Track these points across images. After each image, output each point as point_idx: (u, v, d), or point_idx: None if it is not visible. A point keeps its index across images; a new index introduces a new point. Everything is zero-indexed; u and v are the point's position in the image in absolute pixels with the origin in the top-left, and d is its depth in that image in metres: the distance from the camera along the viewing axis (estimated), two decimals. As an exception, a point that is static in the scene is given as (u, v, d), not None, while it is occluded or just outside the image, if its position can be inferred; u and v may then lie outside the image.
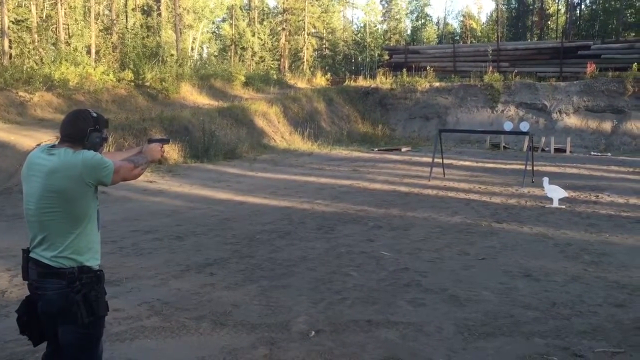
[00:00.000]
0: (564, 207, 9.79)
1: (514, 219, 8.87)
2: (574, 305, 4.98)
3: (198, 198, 10.23)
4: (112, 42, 28.50)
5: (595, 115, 22.61)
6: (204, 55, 45.93)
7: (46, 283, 2.61)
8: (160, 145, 3.06)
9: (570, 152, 20.02)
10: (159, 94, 20.50)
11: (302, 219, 8.65)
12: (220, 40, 53.38)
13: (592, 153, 20.02)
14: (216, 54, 44.21)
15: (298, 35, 47.27)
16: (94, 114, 2.74)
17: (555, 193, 10.01)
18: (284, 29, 43.70)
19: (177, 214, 9.01)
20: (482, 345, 4.15)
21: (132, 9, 36.36)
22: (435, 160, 13.42)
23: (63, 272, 2.60)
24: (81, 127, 2.67)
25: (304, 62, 42.85)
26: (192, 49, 41.02)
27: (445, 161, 13.97)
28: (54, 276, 2.61)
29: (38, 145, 2.56)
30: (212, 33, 54.69)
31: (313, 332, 4.35)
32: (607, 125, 22.16)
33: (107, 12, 33.43)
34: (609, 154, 19.67)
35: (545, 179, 10.42)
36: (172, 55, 27.25)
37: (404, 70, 27.69)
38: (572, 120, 22.74)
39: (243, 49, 45.82)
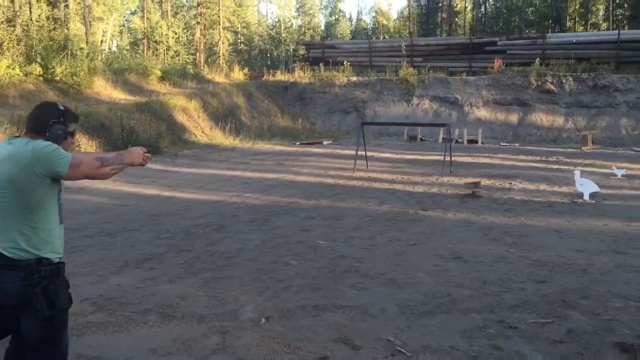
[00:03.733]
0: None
1: (438, 206, 9.30)
2: (502, 283, 5.35)
3: (123, 194, 9.98)
4: (16, 35, 26.97)
5: (503, 107, 23.89)
6: (114, 48, 44.31)
7: (3, 275, 2.55)
8: (145, 150, 2.97)
9: (481, 143, 21.05)
10: (71, 89, 19.67)
11: (234, 213, 8.67)
12: (131, 34, 51.73)
13: (502, 143, 21.15)
14: (128, 47, 42.77)
15: (213, 29, 46.67)
16: (61, 107, 2.70)
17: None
18: (198, 22, 43.00)
19: (104, 210, 8.77)
20: (425, 323, 4.39)
21: (37, 0, 34.51)
22: (359, 152, 13.74)
23: (20, 264, 2.55)
24: (43, 119, 2.63)
25: (220, 56, 42.37)
26: (102, 42, 39.50)
27: (367, 153, 14.34)
28: (11, 268, 2.55)
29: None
30: (122, 26, 52.93)
31: (263, 319, 4.43)
32: (514, 117, 23.47)
33: (8, 3, 31.55)
34: (517, 144, 20.87)
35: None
36: (81, 48, 26.16)
37: (322, 64, 28.06)
38: (482, 113, 23.91)
39: (156, 42, 44.66)
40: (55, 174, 2.57)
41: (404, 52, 27.61)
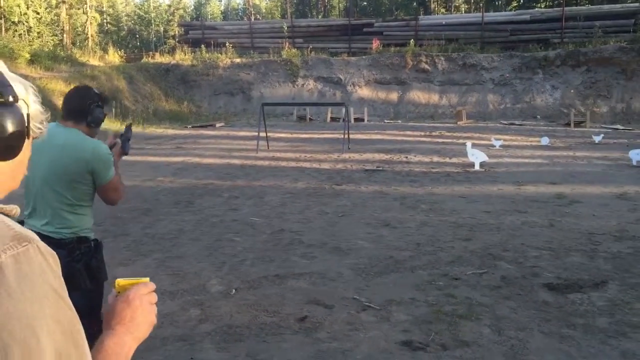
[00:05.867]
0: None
1: (349, 181, 9.86)
2: (433, 243, 5.98)
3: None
4: None
5: (383, 87, 25.12)
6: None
7: None
8: (127, 138, 3.06)
9: (367, 120, 22.06)
10: None
11: (154, 196, 8.65)
12: (-16, 13, 47.38)
13: (385, 121, 22.31)
14: (-15, 28, 39.19)
15: (78, 9, 44.07)
16: (96, 90, 2.79)
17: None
18: (63, 1, 40.35)
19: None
20: (381, 281, 4.88)
21: None
22: (256, 133, 13.98)
23: (63, 242, 2.67)
24: (84, 102, 2.71)
25: (89, 37, 40.18)
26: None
27: (263, 134, 14.60)
28: (55, 247, 2.65)
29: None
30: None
31: (234, 290, 4.69)
32: (394, 96, 24.78)
33: None
34: (400, 121, 22.12)
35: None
36: None
37: (203, 46, 27.71)
38: (365, 92, 24.98)
39: (14, 23, 41.36)
40: (98, 178, 2.72)
41: (286, 33, 27.98)
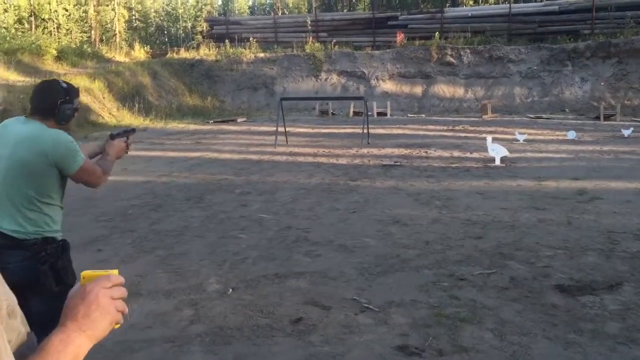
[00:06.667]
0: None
1: (365, 176, 9.67)
2: (443, 241, 5.77)
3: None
4: None
5: (408, 80, 24.77)
6: (-3, 27, 41.20)
7: (9, 255, 2.55)
8: (125, 139, 2.99)
9: (390, 115, 21.78)
10: (-41, 71, 18.32)
11: (166, 192, 8.60)
12: (16, 11, 48.29)
13: (409, 115, 21.99)
14: (16, 26, 39.92)
15: (107, 5, 44.51)
16: (64, 84, 2.68)
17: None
18: (91, -2, 40.82)
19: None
20: (383, 281, 4.70)
21: None
22: (275, 128, 13.87)
23: (26, 243, 2.57)
24: (51, 100, 2.61)
25: (116, 34, 40.60)
26: (-15, 20, 36.66)
27: (282, 129, 14.47)
28: (17, 247, 2.56)
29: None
30: (4, 2, 49.25)
31: (230, 290, 4.57)
32: (418, 90, 24.42)
33: None
34: (423, 115, 21.79)
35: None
36: (-36, 27, 24.28)
37: (227, 41, 27.72)
38: (388, 86, 24.68)
39: (44, 20, 42.00)
40: (64, 169, 2.60)
41: (310, 27, 27.80)
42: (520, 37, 25.41)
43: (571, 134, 14.22)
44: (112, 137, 2.98)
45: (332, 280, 4.77)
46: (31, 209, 2.57)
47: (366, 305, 4.20)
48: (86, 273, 1.09)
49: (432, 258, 5.26)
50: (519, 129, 15.48)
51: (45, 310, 2.64)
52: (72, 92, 2.71)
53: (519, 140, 13.50)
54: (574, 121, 18.54)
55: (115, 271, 1.11)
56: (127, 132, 3.08)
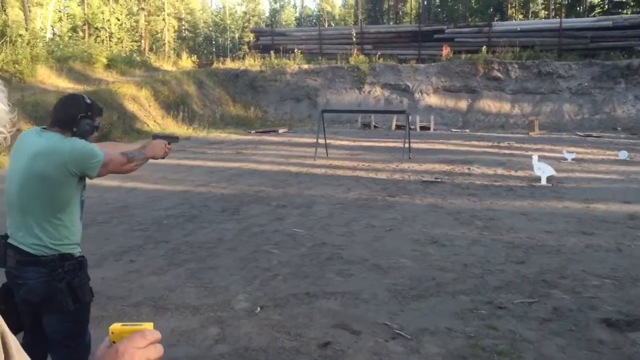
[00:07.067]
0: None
1: (404, 192, 9.45)
2: (482, 265, 5.52)
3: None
4: (-51, 21, 25.63)
5: (452, 94, 24.40)
6: (50, 35, 42.62)
7: (27, 272, 2.49)
8: (166, 143, 2.94)
9: (433, 129, 21.45)
10: (13, 78, 18.85)
11: (203, 202, 8.57)
12: (71, 20, 49.89)
13: (453, 130, 21.62)
14: (70, 34, 41.20)
15: (157, 15, 45.54)
16: (88, 100, 2.63)
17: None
18: (142, 8, 41.83)
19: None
20: (417, 306, 4.50)
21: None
22: (316, 140, 13.77)
23: (43, 259, 2.49)
24: (71, 113, 2.56)
25: (165, 43, 41.46)
26: (42, 29, 37.95)
27: (322, 141, 14.36)
28: (34, 264, 2.49)
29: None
30: (60, 12, 50.97)
31: (259, 308, 4.44)
32: (463, 104, 24.01)
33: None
34: (467, 130, 21.37)
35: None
36: (21, 35, 25.09)
37: (272, 52, 27.89)
38: (433, 100, 24.35)
39: (97, 29, 43.23)
40: (86, 174, 2.54)
41: (355, 39, 27.72)
42: (571, 52, 24.75)
43: (623, 154, 13.65)
44: (155, 137, 2.99)
45: (363, 302, 4.58)
46: (49, 221, 2.49)
47: (398, 331, 4.00)
48: (116, 327, 0.95)
49: (470, 283, 5.01)
50: (567, 147, 14.97)
51: (60, 328, 2.57)
52: (94, 109, 2.65)
53: (567, 159, 13.03)
54: (625, 140, 17.84)
55: (150, 325, 0.98)
56: (170, 137, 3.06)
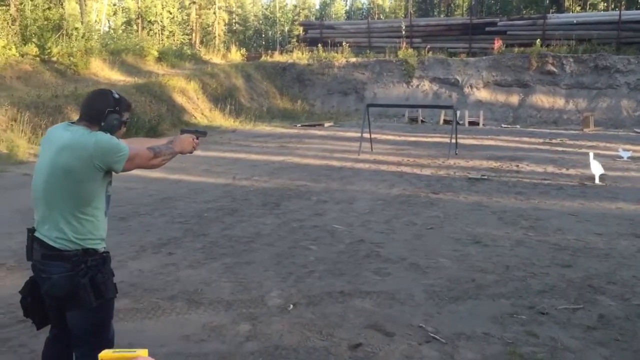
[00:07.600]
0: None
1: (448, 189, 9.24)
2: (526, 268, 5.31)
3: (129, 177, 9.73)
4: (10, 14, 26.56)
5: (504, 89, 23.76)
6: (105, 28, 43.76)
7: (51, 266, 2.49)
8: (194, 137, 2.92)
9: (483, 124, 20.97)
10: (68, 70, 19.43)
11: (244, 196, 8.59)
12: (125, 13, 51.10)
13: (503, 125, 21.08)
14: (123, 27, 42.23)
15: (208, 9, 46.14)
16: (116, 95, 2.63)
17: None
18: (194, 2, 42.43)
19: (113, 194, 8.66)
20: (455, 309, 4.35)
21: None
22: (360, 134, 13.63)
23: (67, 254, 2.48)
24: (99, 107, 2.57)
25: (215, 37, 41.95)
26: (97, 22, 39.00)
27: (367, 135, 14.20)
28: (58, 259, 2.49)
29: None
30: (114, 5, 52.27)
31: (291, 306, 4.38)
32: (515, 99, 23.36)
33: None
34: (518, 126, 20.80)
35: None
36: (76, 28, 25.81)
37: (320, 45, 27.80)
38: (483, 94, 23.79)
39: (151, 22, 44.14)
40: (112, 168, 2.53)
41: (404, 32, 27.33)
42: (630, 46, 23.70)
43: (683, 153, 13.00)
44: (182, 132, 2.96)
45: (399, 303, 4.47)
46: (74, 215, 2.49)
47: (433, 335, 3.88)
48: (106, 355, 0.90)
49: (511, 286, 4.83)
50: (623, 144, 14.38)
51: (82, 324, 2.56)
52: (122, 104, 2.64)
53: (622, 158, 12.49)
54: (687, 138, 17.00)
55: (145, 351, 0.92)
56: (198, 132, 3.03)
